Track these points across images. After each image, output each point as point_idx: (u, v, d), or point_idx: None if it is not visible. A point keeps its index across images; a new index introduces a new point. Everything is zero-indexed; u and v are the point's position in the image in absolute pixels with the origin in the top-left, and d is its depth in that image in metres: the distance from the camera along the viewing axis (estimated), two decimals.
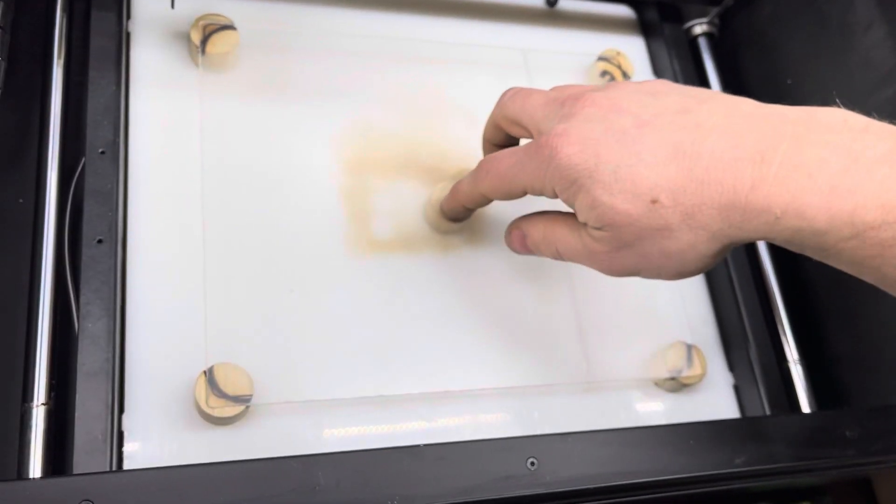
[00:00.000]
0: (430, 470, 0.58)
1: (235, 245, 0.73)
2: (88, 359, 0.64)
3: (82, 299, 0.65)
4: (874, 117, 0.54)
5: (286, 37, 0.84)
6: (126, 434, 0.65)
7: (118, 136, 0.72)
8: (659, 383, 0.82)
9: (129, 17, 0.79)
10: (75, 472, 0.60)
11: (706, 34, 1.01)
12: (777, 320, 0.88)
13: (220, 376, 0.66)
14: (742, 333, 0.86)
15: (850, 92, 0.85)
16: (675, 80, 0.96)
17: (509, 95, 0.71)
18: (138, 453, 0.64)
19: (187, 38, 0.78)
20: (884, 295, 0.81)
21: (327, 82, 0.83)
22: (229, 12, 0.80)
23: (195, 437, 0.66)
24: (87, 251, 0.67)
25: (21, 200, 0.72)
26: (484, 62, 0.91)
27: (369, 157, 0.82)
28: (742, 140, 0.54)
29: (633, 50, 0.98)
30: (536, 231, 0.70)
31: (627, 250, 0.60)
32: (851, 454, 0.69)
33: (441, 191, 0.79)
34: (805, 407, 0.83)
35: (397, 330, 0.75)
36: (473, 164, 0.86)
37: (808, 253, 0.55)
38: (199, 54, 0.78)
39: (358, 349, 0.73)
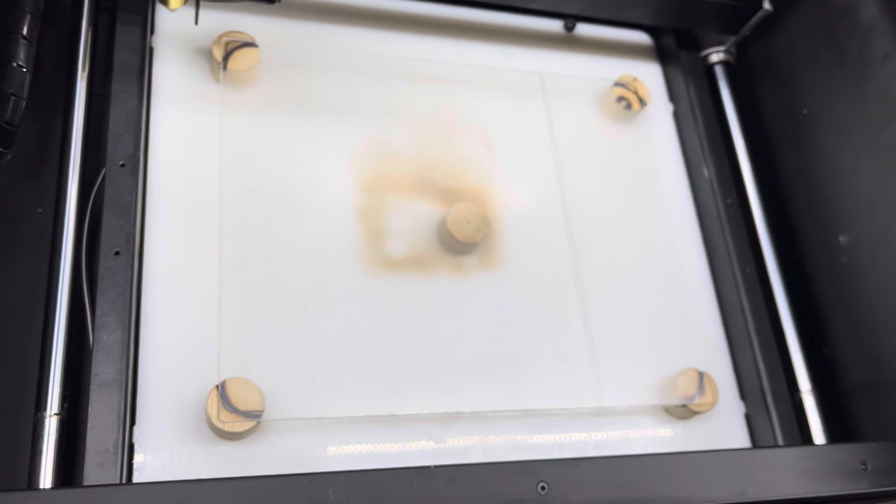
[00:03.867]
0: (440, 491, 0.58)
1: (251, 260, 0.74)
2: (102, 370, 0.64)
3: (98, 310, 0.66)
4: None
5: (306, 55, 0.84)
6: (137, 446, 0.65)
7: (138, 149, 0.73)
8: (670, 410, 0.81)
9: (152, 32, 0.80)
10: (85, 483, 0.60)
11: (723, 62, 1.01)
12: (789, 349, 0.87)
13: (232, 391, 0.66)
14: (754, 362, 0.85)
15: (866, 124, 0.85)
16: (691, 107, 0.97)
17: None
18: (148, 465, 0.64)
19: (209, 54, 0.79)
20: None
21: (346, 101, 0.84)
22: (251, 30, 0.81)
23: (205, 451, 0.66)
24: (105, 262, 0.68)
25: (40, 210, 0.72)
26: (501, 85, 0.91)
27: (385, 177, 0.82)
28: None
29: (649, 76, 0.99)
30: None
31: None
32: (864, 487, 0.69)
33: (456, 212, 0.80)
34: (817, 438, 0.83)
35: (409, 349, 0.75)
36: (488, 186, 0.86)
37: None
38: (221, 70, 0.78)
39: (369, 367, 0.73)
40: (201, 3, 0.75)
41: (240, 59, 0.79)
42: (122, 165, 0.71)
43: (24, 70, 0.69)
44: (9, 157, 0.70)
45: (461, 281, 0.80)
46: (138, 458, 0.64)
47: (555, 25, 0.98)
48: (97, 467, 0.61)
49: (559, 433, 0.77)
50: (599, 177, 0.91)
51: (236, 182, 0.76)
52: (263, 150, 0.79)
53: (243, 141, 0.78)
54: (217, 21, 0.81)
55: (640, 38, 1.02)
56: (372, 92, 0.86)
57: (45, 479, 0.60)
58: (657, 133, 0.97)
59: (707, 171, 0.94)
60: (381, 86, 0.86)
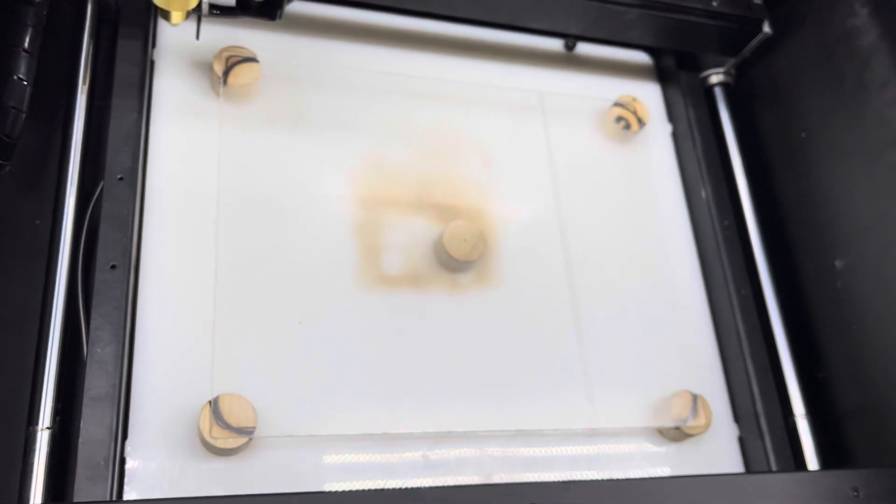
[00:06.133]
0: None
1: (246, 275, 0.74)
2: (95, 384, 0.64)
3: (93, 324, 0.66)
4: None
5: (307, 71, 0.85)
6: (128, 460, 0.64)
7: (137, 162, 0.73)
8: (663, 432, 0.81)
9: (154, 45, 0.80)
10: (76, 498, 0.60)
11: (722, 84, 1.02)
12: (784, 373, 0.87)
13: (224, 407, 0.66)
14: (748, 385, 0.85)
15: (864, 149, 0.85)
16: (690, 127, 0.97)
17: None
18: (139, 480, 0.64)
19: (210, 68, 0.80)
20: (893, 352, 0.81)
21: (345, 117, 0.84)
22: (252, 45, 0.81)
23: (196, 467, 0.66)
24: (101, 276, 0.68)
25: (38, 221, 0.72)
26: (500, 103, 0.92)
27: (383, 193, 0.82)
28: None
29: (648, 96, 0.99)
30: None
31: None
32: None
33: (452, 229, 0.80)
34: (811, 463, 0.82)
35: (402, 367, 0.75)
36: (486, 203, 0.87)
37: None
38: (221, 85, 0.79)
39: (362, 385, 0.73)
40: (203, 18, 0.76)
41: (240, 74, 0.79)
42: (121, 179, 0.72)
43: (25, 83, 0.69)
44: (8, 168, 0.70)
45: (457, 298, 0.80)
46: (129, 473, 0.64)
47: (555, 45, 0.98)
48: (88, 482, 0.61)
49: (552, 454, 0.76)
50: (597, 196, 0.91)
51: (234, 197, 0.76)
52: (262, 166, 0.79)
53: (242, 156, 0.78)
54: (218, 36, 0.81)
55: (640, 58, 1.02)
56: (371, 108, 0.86)
57: (36, 493, 0.60)
58: (655, 153, 0.97)
59: (704, 193, 0.94)
60: (381, 102, 0.87)
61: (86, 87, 0.75)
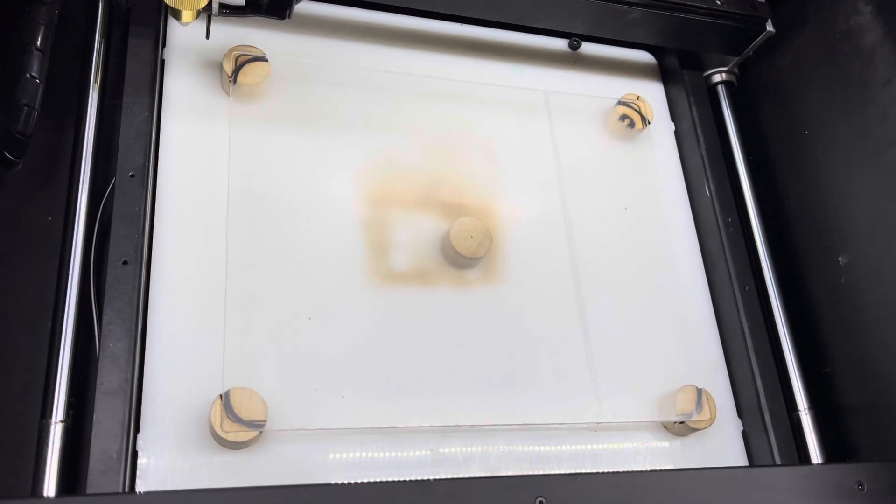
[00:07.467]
0: None
1: (256, 271, 0.75)
2: (108, 378, 0.65)
3: (105, 319, 0.67)
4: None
5: (315, 70, 0.86)
6: (140, 454, 0.65)
7: (148, 160, 0.74)
8: (668, 426, 0.82)
9: (164, 45, 0.81)
10: (89, 490, 0.60)
11: (725, 82, 1.02)
12: (788, 368, 0.88)
13: (235, 401, 0.67)
14: (752, 380, 0.86)
15: (866, 146, 0.86)
16: (693, 126, 0.98)
17: None
18: (151, 473, 0.65)
19: (220, 67, 0.80)
20: None
21: (353, 115, 0.85)
22: (261, 44, 0.82)
23: (208, 460, 0.67)
24: (113, 272, 0.68)
25: (50, 218, 0.73)
26: (506, 102, 0.92)
27: (390, 191, 0.83)
28: None
29: (652, 95, 1.00)
30: None
31: None
32: None
33: (459, 226, 0.81)
34: (815, 457, 0.83)
35: (410, 362, 0.76)
36: (492, 201, 0.87)
37: None
38: (231, 84, 0.79)
39: (371, 379, 0.74)
40: (213, 17, 0.76)
41: (250, 73, 0.80)
42: (132, 176, 0.72)
43: (37, 81, 0.70)
44: (20, 165, 0.71)
45: (463, 295, 0.81)
46: (141, 466, 0.65)
47: (560, 44, 0.99)
48: (100, 475, 0.61)
49: (558, 448, 0.77)
50: (602, 194, 0.92)
51: (244, 194, 0.77)
52: (271, 163, 0.80)
53: (251, 154, 0.79)
54: (228, 35, 0.82)
55: (644, 57, 1.03)
56: (379, 107, 0.87)
57: (49, 486, 0.61)
58: (659, 151, 0.97)
59: (708, 190, 0.95)
60: (388, 101, 0.87)
61: (97, 86, 0.76)
